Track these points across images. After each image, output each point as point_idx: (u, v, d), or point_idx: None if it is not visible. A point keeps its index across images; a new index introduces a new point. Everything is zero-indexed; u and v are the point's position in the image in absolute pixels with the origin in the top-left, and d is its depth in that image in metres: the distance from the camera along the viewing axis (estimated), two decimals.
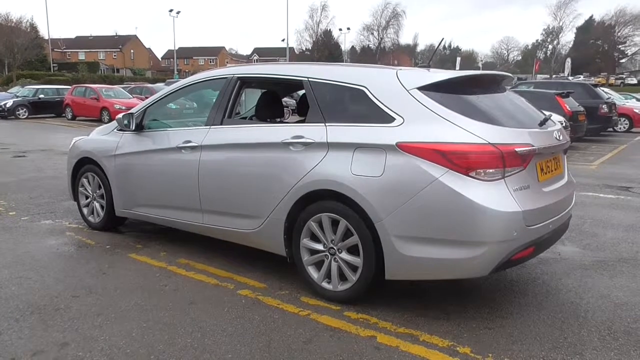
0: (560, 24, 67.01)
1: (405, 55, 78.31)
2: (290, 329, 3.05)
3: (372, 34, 76.51)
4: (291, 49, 78.26)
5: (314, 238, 3.49)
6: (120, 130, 4.84)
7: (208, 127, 4.11)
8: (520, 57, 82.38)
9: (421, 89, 3.20)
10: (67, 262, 4.27)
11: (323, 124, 3.46)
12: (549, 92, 13.07)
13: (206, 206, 4.09)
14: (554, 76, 56.59)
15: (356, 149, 3.25)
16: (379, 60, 69.73)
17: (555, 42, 69.97)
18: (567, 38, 68.81)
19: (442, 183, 2.94)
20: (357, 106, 3.40)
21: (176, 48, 64.59)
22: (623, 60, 63.99)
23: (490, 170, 2.94)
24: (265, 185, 3.66)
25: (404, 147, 3.06)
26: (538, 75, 53.53)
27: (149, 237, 4.96)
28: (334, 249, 3.39)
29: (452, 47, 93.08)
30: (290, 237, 3.61)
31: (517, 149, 3.01)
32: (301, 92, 4.39)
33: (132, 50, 78.23)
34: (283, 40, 63.51)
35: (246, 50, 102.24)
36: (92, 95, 21.69)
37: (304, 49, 75.19)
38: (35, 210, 6.00)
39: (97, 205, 5.16)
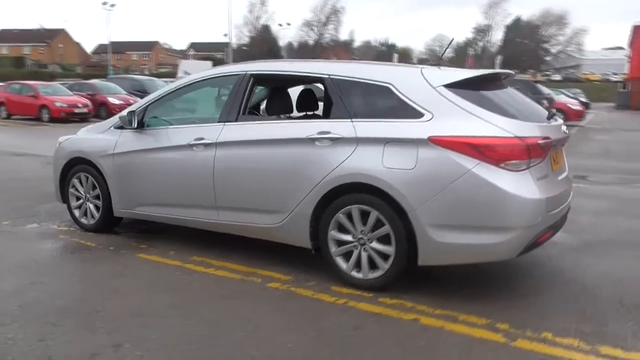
0: (491, 22, 70.18)
1: (343, 52, 79.12)
2: (336, 317, 3.17)
3: (312, 29, 76.82)
4: (228, 44, 77.29)
5: (342, 229, 3.61)
6: (118, 128, 4.74)
7: (222, 124, 4.13)
8: (453, 54, 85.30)
9: (447, 86, 3.41)
10: (75, 265, 4.17)
11: (349, 120, 3.59)
12: None
13: (222, 203, 4.11)
14: None
15: (387, 143, 3.40)
16: (318, 56, 70.30)
17: (485, 39, 73.15)
18: (498, 36, 72.01)
19: (475, 174, 3.16)
20: (383, 102, 3.56)
21: (108, 42, 62.05)
22: (548, 58, 67.82)
23: (518, 162, 3.19)
24: (290, 180, 3.74)
25: (436, 141, 3.25)
26: None
27: (149, 237, 4.87)
28: (363, 239, 3.53)
29: (388, 44, 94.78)
30: (315, 230, 3.72)
31: (539, 142, 3.27)
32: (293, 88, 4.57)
33: (60, 45, 74.39)
34: (225, 35, 62.54)
35: (181, 45, 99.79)
36: (29, 92, 20.48)
37: (242, 44, 74.32)
38: (13, 214, 5.71)
39: (91, 206, 5.00)
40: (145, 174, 4.55)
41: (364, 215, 3.51)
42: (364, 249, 3.55)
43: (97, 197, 4.93)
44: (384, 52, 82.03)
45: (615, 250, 4.56)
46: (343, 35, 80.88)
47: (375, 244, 3.50)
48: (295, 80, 4.41)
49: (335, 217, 3.60)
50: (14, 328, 3.03)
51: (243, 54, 66.49)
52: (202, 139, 4.16)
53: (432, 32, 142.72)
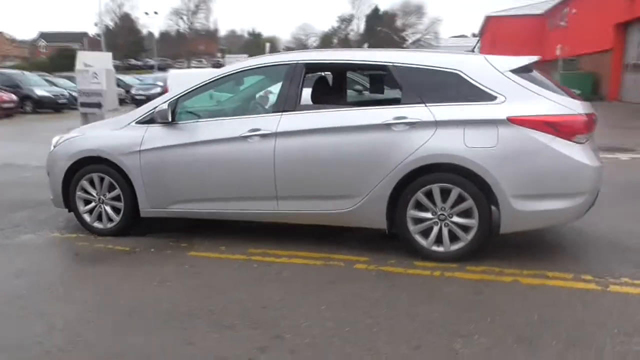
0: (356, 12, 73.63)
1: (212, 41, 77.43)
2: (449, 287, 3.43)
3: (181, 18, 73.94)
4: (85, 33, 71.33)
5: (420, 207, 3.87)
6: (143, 123, 4.47)
7: (279, 114, 4.12)
8: (319, 43, 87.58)
9: (513, 71, 3.81)
10: (137, 269, 3.91)
11: (423, 105, 3.83)
12: None
13: (285, 192, 4.12)
14: None
15: (466, 124, 3.72)
16: (182, 46, 68.18)
17: (349, 28, 76.47)
18: (362, 26, 75.69)
19: (552, 148, 3.61)
20: (454, 87, 3.85)
21: None
22: (407, 46, 72.90)
23: (582, 135, 3.70)
24: (366, 164, 3.89)
25: (515, 121, 3.64)
26: None
27: (182, 236, 4.60)
28: (444, 215, 3.82)
29: (254, 33, 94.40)
30: (391, 210, 3.92)
31: (593, 117, 3.82)
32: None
33: None
34: (96, 24, 57.28)
35: (29, 35, 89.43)
36: None
37: (103, 33, 69.06)
38: None
39: (107, 208, 4.64)
40: (184, 170, 4.35)
41: (443, 193, 3.80)
42: (445, 224, 3.84)
43: (115, 198, 4.60)
44: (251, 42, 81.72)
45: (609, 208, 5.31)
46: (212, 25, 78.96)
47: (456, 218, 3.81)
48: (352, 68, 4.52)
49: (415, 197, 3.84)
50: (147, 335, 2.87)
51: (108, 44, 61.82)
52: (257, 130, 4.11)
53: (298, 21, 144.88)
